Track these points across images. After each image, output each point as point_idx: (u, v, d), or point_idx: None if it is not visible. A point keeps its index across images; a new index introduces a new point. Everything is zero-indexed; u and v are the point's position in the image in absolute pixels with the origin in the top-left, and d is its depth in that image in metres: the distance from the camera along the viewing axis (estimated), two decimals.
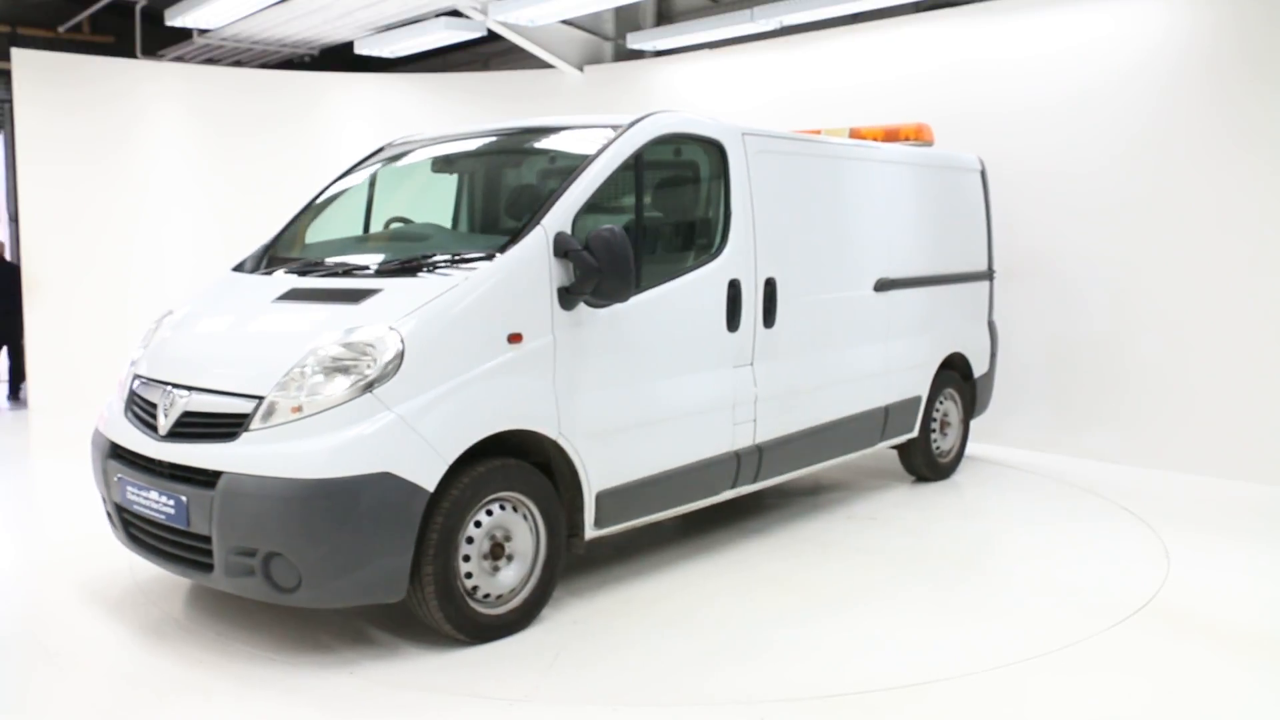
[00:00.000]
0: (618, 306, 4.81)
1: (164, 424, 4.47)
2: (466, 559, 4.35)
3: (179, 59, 12.78)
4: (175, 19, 10.98)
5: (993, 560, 5.71)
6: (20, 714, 3.89)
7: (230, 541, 4.10)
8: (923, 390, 7.02)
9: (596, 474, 4.80)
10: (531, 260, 4.53)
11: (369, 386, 4.10)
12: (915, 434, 7.06)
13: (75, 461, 6.21)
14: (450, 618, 4.31)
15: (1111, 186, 7.93)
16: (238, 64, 12.91)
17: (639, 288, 4.87)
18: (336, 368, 4.15)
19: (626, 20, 11.68)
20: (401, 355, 4.14)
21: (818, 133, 7.16)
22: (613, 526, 4.97)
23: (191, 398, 4.42)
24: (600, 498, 4.84)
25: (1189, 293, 7.60)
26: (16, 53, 11.03)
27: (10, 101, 11.17)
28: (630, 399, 4.96)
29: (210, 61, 12.83)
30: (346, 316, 4.35)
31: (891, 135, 7.26)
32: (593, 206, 4.84)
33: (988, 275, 7.77)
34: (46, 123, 10.91)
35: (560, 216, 4.64)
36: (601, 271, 4.53)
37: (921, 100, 8.68)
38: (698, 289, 5.28)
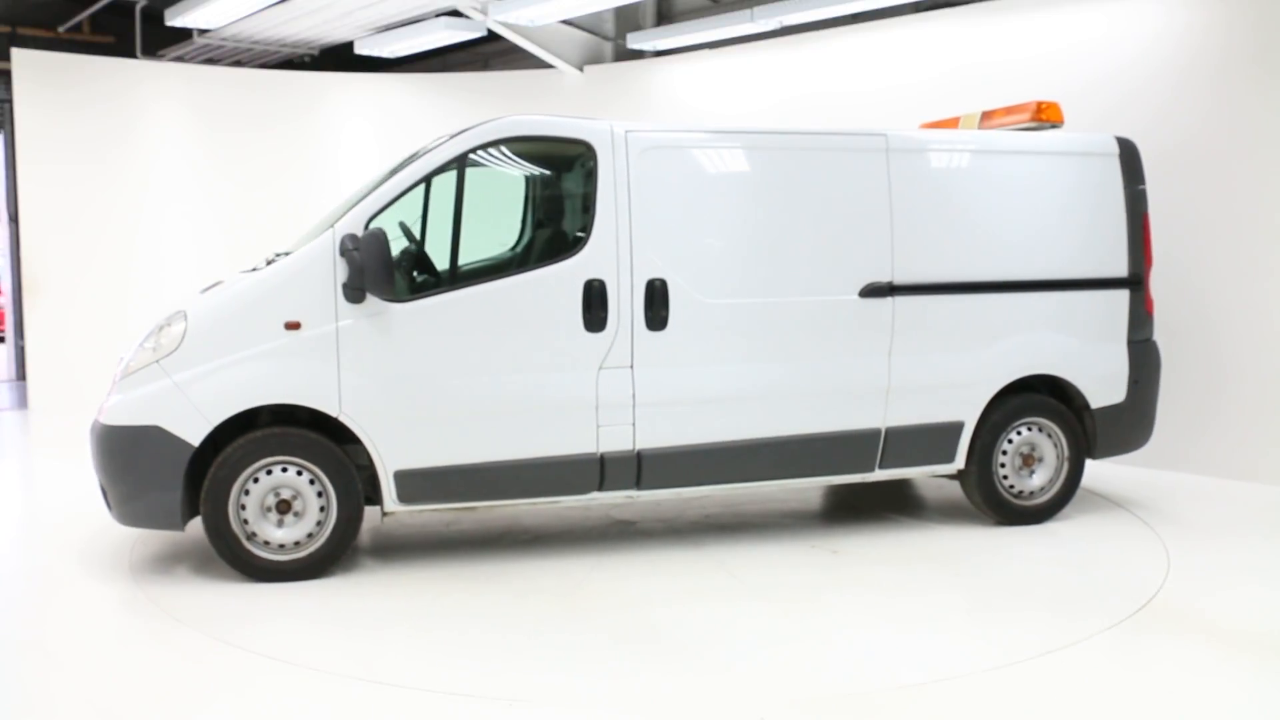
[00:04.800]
0: (427, 301, 5.28)
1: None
2: (243, 508, 5.13)
3: (179, 59, 12.77)
4: (175, 19, 10.98)
5: (992, 560, 5.70)
6: (18, 712, 3.89)
7: (94, 468, 5.28)
8: (968, 415, 6.09)
9: (393, 454, 5.25)
10: (317, 258, 5.17)
11: (160, 358, 5.09)
12: (960, 466, 6.16)
13: (75, 461, 6.21)
14: (223, 554, 5.15)
15: None
16: (238, 64, 12.91)
17: (454, 285, 5.32)
18: (154, 341, 5.21)
19: (626, 20, 11.68)
20: (184, 334, 5.09)
21: (955, 121, 6.89)
22: (422, 505, 5.38)
23: (121, 362, 5.42)
24: (401, 477, 5.27)
25: (1188, 292, 7.59)
26: (16, 53, 11.05)
27: (10, 101, 11.18)
28: (436, 389, 5.28)
29: (210, 61, 12.82)
30: (190, 302, 5.37)
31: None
32: (426, 209, 5.40)
33: (1127, 282, 6.43)
34: (46, 123, 10.92)
35: (352, 220, 5.18)
36: (363, 269, 5.01)
37: (922, 101, 8.66)
38: (540, 288, 5.39)
